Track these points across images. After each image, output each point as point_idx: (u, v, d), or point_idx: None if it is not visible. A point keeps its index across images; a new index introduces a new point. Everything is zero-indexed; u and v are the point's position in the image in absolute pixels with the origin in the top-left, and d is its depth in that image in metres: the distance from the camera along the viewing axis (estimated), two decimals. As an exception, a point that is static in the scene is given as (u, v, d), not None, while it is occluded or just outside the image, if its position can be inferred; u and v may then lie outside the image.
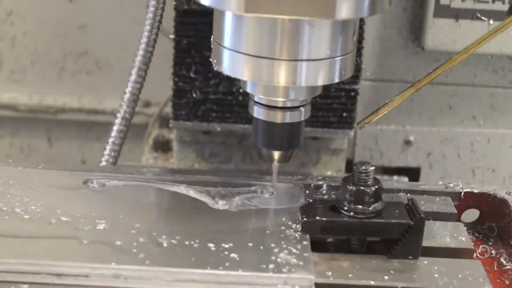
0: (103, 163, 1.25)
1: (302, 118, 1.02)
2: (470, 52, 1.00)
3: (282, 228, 0.97)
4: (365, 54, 1.37)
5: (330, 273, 0.91)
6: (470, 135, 1.49)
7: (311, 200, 1.02)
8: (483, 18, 1.31)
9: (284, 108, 1.00)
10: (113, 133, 1.26)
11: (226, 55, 0.96)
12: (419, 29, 1.39)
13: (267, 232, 0.96)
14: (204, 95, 1.32)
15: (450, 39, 1.36)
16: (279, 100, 0.99)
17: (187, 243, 0.93)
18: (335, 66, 0.95)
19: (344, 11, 0.89)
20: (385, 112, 1.05)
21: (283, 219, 1.00)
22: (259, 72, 0.94)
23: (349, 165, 1.49)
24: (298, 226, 0.97)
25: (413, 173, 1.51)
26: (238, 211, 1.01)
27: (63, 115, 1.97)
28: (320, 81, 0.96)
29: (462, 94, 1.47)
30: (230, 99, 1.33)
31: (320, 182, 1.08)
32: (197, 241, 0.94)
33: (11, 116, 1.97)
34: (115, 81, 1.91)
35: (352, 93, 1.32)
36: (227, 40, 0.95)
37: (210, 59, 1.00)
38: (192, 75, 1.31)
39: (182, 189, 1.06)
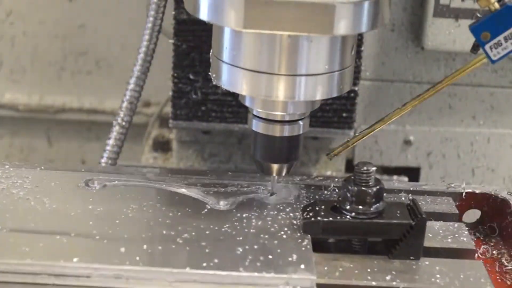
0: (103, 163, 1.25)
1: (301, 132, 1.02)
2: (435, 91, 1.02)
3: (284, 228, 0.97)
4: (365, 54, 1.37)
5: (331, 274, 0.91)
6: (470, 135, 1.49)
7: (312, 200, 1.02)
8: (483, 18, 1.31)
9: (282, 122, 1.01)
10: (113, 133, 1.26)
11: (225, 70, 0.96)
12: (419, 29, 1.39)
13: (268, 232, 0.96)
14: (203, 95, 1.32)
15: (450, 39, 1.36)
16: (278, 114, 1.00)
17: (188, 243, 0.93)
18: (333, 81, 0.96)
19: (342, 27, 0.89)
20: (355, 143, 1.07)
21: (284, 219, 1.00)
22: (257, 87, 0.95)
23: (349, 165, 1.49)
24: (299, 226, 0.97)
25: (413, 173, 1.51)
26: (239, 211, 1.01)
27: (63, 115, 1.97)
28: (319, 96, 0.97)
29: (462, 94, 1.47)
30: (229, 99, 1.33)
31: (324, 183, 1.09)
32: (198, 241, 0.94)
33: (11, 116, 1.97)
34: (115, 81, 1.91)
35: (352, 94, 1.32)
36: (226, 55, 0.96)
37: (209, 73, 1.01)
38: (191, 76, 1.31)
39: (183, 189, 1.06)
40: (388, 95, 1.46)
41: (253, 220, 0.99)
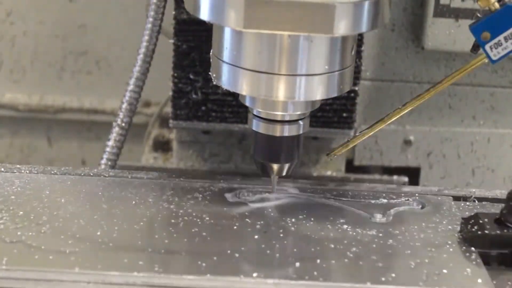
0: (103, 164, 1.25)
1: (301, 132, 1.02)
2: (435, 91, 1.01)
3: (447, 241, 0.97)
4: (365, 54, 1.37)
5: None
6: (470, 135, 1.49)
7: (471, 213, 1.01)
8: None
9: (283, 122, 1.01)
10: (113, 134, 1.26)
11: (225, 70, 0.96)
12: (419, 29, 1.39)
13: (434, 245, 0.96)
14: (204, 95, 1.32)
15: (450, 39, 1.36)
16: (278, 114, 1.00)
17: (359, 257, 0.92)
18: (333, 81, 0.96)
19: (342, 27, 0.89)
20: (356, 143, 1.07)
21: (445, 231, 0.99)
22: (258, 87, 0.95)
23: (349, 165, 1.49)
24: (461, 239, 0.97)
25: (413, 173, 1.51)
26: (397, 224, 1.00)
27: (63, 115, 1.97)
28: (319, 96, 0.97)
29: (462, 94, 1.47)
30: (230, 99, 1.33)
31: (464, 193, 1.09)
32: (367, 255, 0.93)
33: (11, 116, 1.97)
34: (115, 81, 1.91)
35: (352, 94, 1.32)
36: (226, 55, 0.96)
37: (210, 73, 1.01)
38: (191, 76, 1.31)
39: (333, 201, 1.06)
40: (388, 95, 1.46)
41: (414, 233, 0.98)
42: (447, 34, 1.36)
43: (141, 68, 1.27)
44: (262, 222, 0.99)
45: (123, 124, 1.26)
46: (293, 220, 1.00)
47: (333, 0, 0.88)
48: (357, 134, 1.07)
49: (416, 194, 1.07)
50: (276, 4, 0.87)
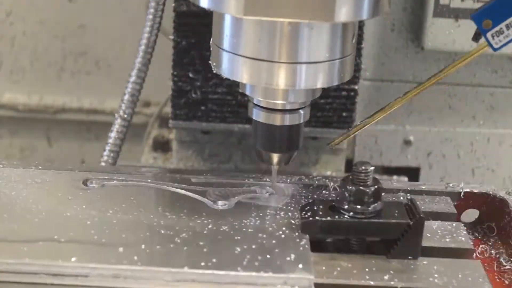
0: (103, 163, 1.25)
1: (302, 121, 1.02)
2: (436, 80, 1.01)
3: (282, 228, 0.97)
4: (365, 54, 1.37)
5: (329, 273, 0.90)
6: (470, 135, 1.49)
7: (310, 200, 1.02)
8: (483, 18, 1.30)
9: (283, 111, 1.00)
10: (113, 133, 1.26)
11: (225, 58, 0.96)
12: (419, 29, 1.39)
13: (266, 232, 0.96)
14: (203, 95, 1.32)
15: (450, 39, 1.36)
16: (278, 103, 0.99)
17: (186, 243, 0.93)
18: (334, 69, 0.95)
19: (343, 14, 0.89)
20: (356, 132, 1.07)
21: (283, 219, 0.99)
22: (258, 75, 0.94)
23: (349, 165, 1.49)
24: (297, 226, 0.97)
25: (412, 173, 1.51)
26: (238, 211, 1.01)
27: (63, 115, 1.97)
28: (319, 84, 0.96)
29: (462, 94, 1.47)
30: (229, 99, 1.33)
31: (322, 182, 1.08)
32: (196, 241, 0.93)
33: (11, 116, 1.98)
34: (115, 81, 1.91)
35: (352, 93, 1.32)
36: (226, 43, 0.95)
37: (210, 62, 1.00)
38: (191, 75, 1.31)
39: (181, 189, 1.06)
40: (388, 95, 1.45)
41: (251, 220, 0.99)
42: (447, 34, 1.36)
43: (143, 59, 1.27)
44: (99, 208, 1.00)
45: (125, 116, 1.26)
46: (132, 206, 1.01)
47: (333, -14, 0.87)
48: (357, 124, 1.06)
49: (268, 182, 1.07)
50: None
